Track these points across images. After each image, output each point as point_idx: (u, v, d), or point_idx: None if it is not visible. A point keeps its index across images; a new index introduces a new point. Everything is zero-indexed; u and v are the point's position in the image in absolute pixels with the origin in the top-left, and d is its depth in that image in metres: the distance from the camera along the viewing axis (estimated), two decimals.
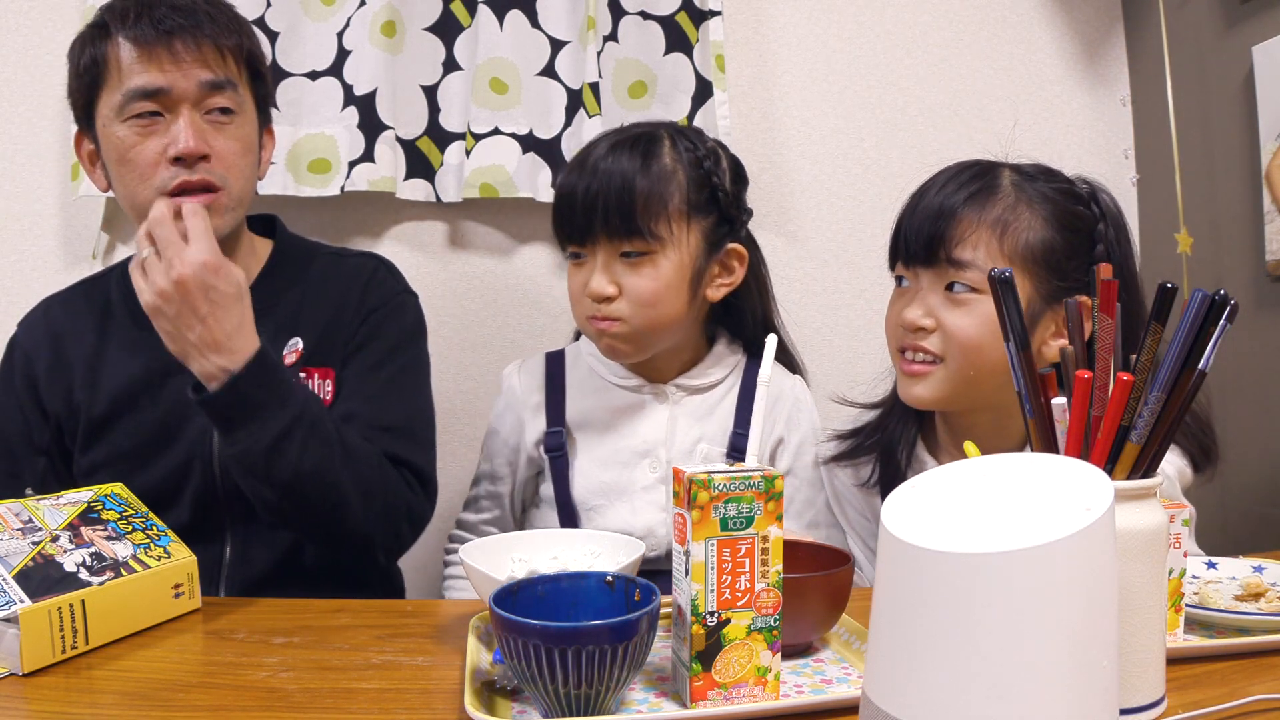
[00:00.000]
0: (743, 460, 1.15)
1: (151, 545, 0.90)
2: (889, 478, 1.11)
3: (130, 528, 0.91)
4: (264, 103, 1.20)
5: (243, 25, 1.16)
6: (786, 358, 1.29)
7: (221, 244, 1.15)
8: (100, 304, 1.22)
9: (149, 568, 0.87)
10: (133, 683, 0.74)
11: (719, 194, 1.14)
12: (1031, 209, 0.99)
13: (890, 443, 1.12)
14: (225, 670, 0.77)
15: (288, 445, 1.01)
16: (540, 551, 0.89)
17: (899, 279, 1.07)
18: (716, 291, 1.17)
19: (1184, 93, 1.62)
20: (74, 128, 1.16)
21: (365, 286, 1.24)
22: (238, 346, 1.00)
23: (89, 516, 0.89)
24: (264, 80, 1.19)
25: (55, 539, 0.84)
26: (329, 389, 1.19)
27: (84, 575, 0.82)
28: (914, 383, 1.03)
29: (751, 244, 1.22)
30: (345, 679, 0.75)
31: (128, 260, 1.25)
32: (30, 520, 0.85)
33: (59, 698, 0.71)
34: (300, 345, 1.19)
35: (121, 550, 0.87)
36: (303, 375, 1.18)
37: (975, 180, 1.01)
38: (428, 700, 0.71)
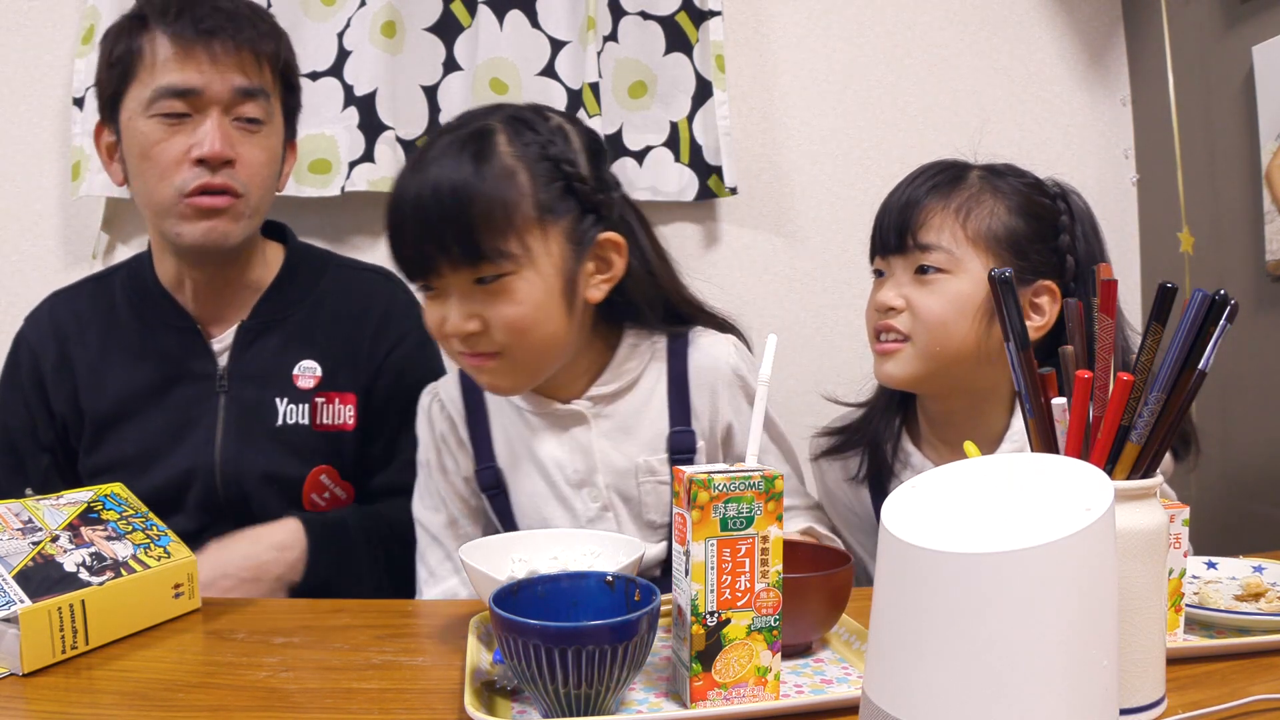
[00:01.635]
0: (690, 461, 1.02)
1: (151, 545, 0.90)
2: (876, 470, 1.14)
3: (130, 528, 0.91)
4: (291, 116, 1.20)
5: (281, 35, 1.15)
6: (713, 321, 1.10)
7: (235, 251, 1.15)
8: (105, 306, 1.22)
9: (149, 568, 0.87)
10: (133, 683, 0.74)
11: (574, 185, 0.95)
12: (995, 198, 1.05)
13: (876, 436, 1.15)
14: (225, 670, 0.77)
15: (367, 547, 1.15)
16: (540, 551, 0.89)
17: (877, 272, 1.13)
18: (598, 291, 0.99)
19: (1184, 92, 1.62)
20: (96, 118, 1.16)
21: (385, 312, 1.25)
22: (282, 538, 1.10)
23: (89, 516, 0.89)
24: (295, 93, 1.19)
25: (55, 539, 0.84)
26: (350, 414, 1.20)
27: (84, 575, 0.82)
28: (885, 361, 1.08)
29: (628, 222, 1.03)
30: (345, 679, 0.75)
31: (133, 260, 1.25)
32: (30, 520, 0.85)
33: (59, 698, 0.71)
34: (319, 371, 1.20)
35: (121, 550, 0.87)
36: (321, 400, 1.19)
37: (941, 174, 1.07)
38: (428, 700, 0.71)
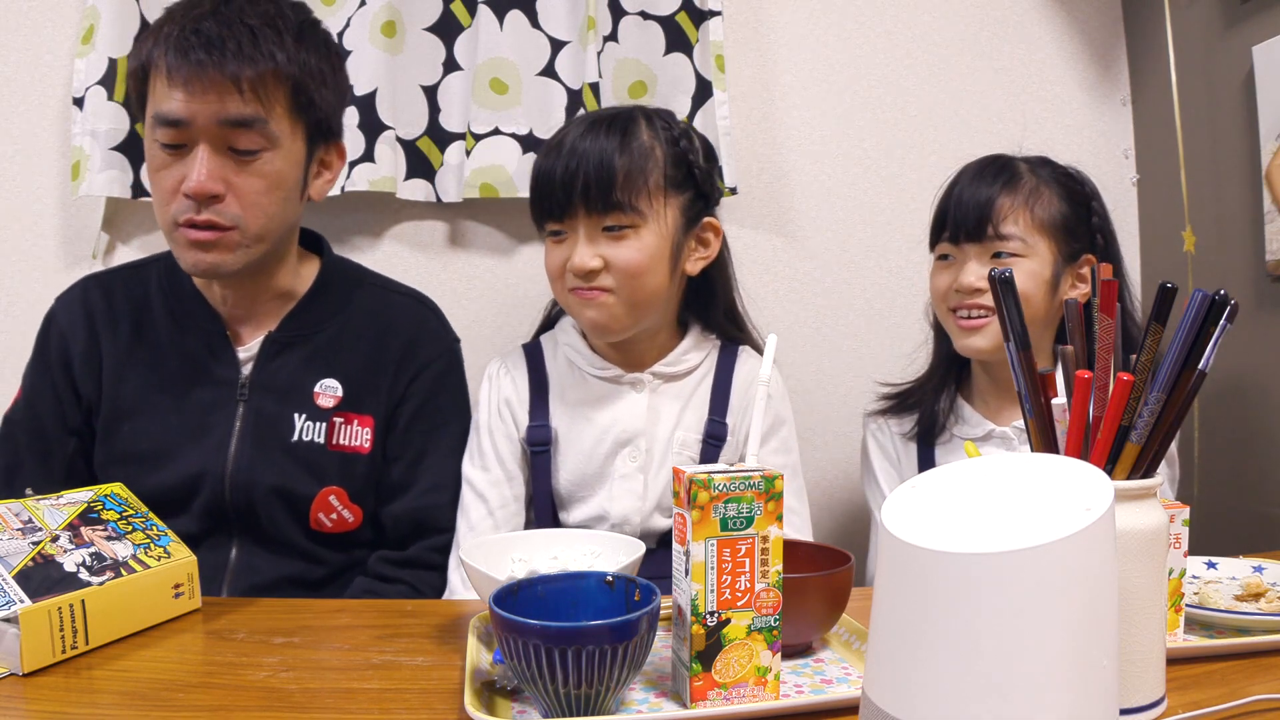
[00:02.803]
0: (719, 447, 1.18)
1: (151, 545, 0.90)
2: (927, 427, 1.31)
3: (130, 528, 0.91)
4: (319, 126, 1.14)
5: (288, 46, 1.07)
6: (752, 341, 1.30)
7: (248, 270, 1.13)
8: (139, 297, 1.21)
9: (149, 568, 0.87)
10: (133, 683, 0.74)
11: (694, 170, 1.17)
12: (1048, 188, 1.22)
13: (932, 397, 1.32)
14: (225, 670, 0.77)
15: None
16: (540, 551, 0.89)
17: (942, 256, 1.26)
18: (695, 265, 1.20)
19: (1184, 92, 1.62)
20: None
21: (413, 336, 1.24)
22: None
23: (89, 516, 0.90)
24: (315, 105, 1.12)
25: (55, 539, 0.84)
26: (367, 436, 1.19)
27: (84, 575, 0.82)
28: (972, 335, 1.23)
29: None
30: (345, 679, 0.75)
31: (169, 254, 1.23)
32: (30, 520, 0.85)
33: (59, 698, 0.71)
34: (340, 391, 1.19)
35: (121, 550, 0.87)
36: (339, 420, 1.18)
37: (1002, 172, 1.23)
38: (428, 700, 0.71)
